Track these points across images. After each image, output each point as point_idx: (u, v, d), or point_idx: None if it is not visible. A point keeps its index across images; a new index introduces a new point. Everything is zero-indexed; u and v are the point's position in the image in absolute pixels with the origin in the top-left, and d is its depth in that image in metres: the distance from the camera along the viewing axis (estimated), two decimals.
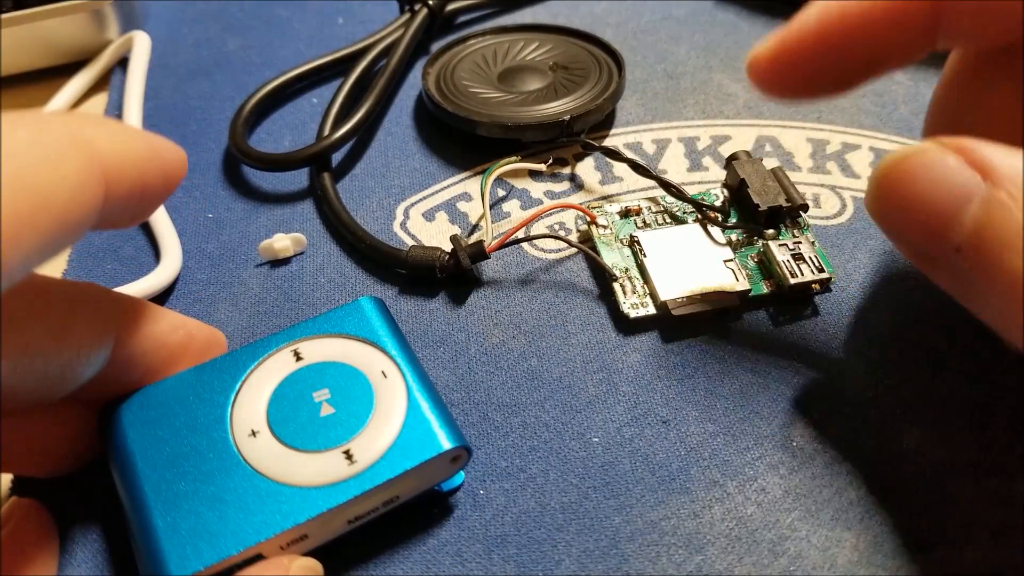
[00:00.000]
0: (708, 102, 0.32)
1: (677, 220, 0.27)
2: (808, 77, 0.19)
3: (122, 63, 0.35)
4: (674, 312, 0.24)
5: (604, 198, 0.28)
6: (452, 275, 0.25)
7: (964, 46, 0.20)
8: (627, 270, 0.25)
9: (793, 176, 0.28)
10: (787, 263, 0.24)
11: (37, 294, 0.16)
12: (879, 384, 0.22)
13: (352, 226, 0.27)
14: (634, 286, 0.25)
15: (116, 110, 0.33)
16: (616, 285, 0.25)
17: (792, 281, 0.24)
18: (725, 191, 0.27)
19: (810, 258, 0.24)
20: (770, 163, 0.28)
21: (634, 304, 0.24)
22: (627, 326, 0.24)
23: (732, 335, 0.24)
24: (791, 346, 0.23)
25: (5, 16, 0.32)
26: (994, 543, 0.19)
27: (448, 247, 0.25)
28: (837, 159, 0.29)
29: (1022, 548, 0.19)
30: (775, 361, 0.23)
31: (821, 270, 0.24)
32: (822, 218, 0.27)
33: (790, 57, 0.19)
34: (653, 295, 0.24)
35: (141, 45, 0.34)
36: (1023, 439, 0.21)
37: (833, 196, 0.28)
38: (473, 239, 0.26)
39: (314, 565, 0.18)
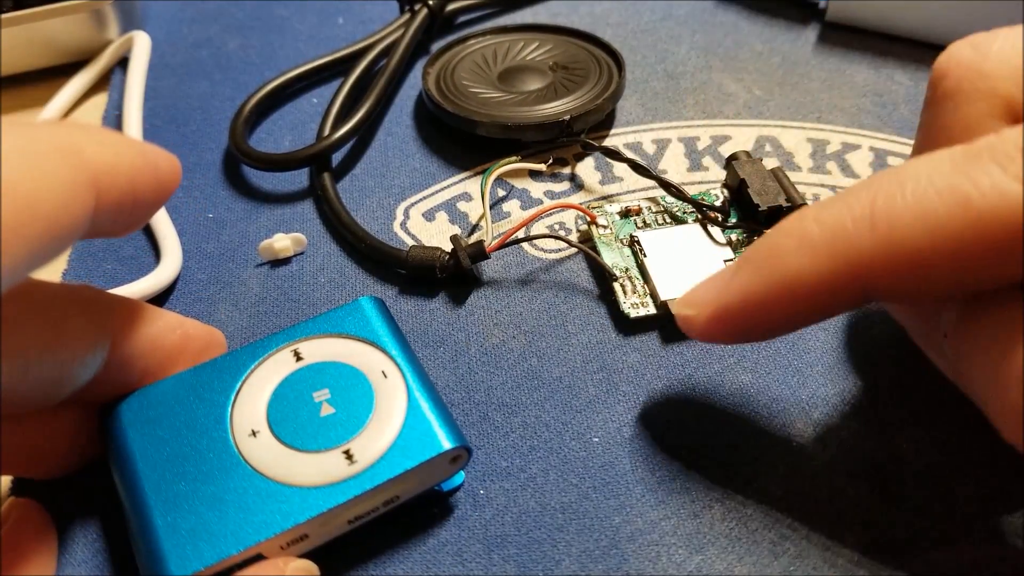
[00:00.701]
0: (708, 102, 0.32)
1: (677, 220, 0.27)
2: (743, 335, 0.19)
3: (122, 63, 0.35)
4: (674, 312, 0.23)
5: (604, 198, 0.28)
6: (452, 275, 0.25)
7: None
8: (627, 270, 0.25)
9: (793, 176, 0.28)
10: None
11: (30, 299, 0.16)
12: (879, 384, 0.22)
13: (352, 226, 0.27)
14: (634, 286, 0.25)
15: (116, 110, 0.33)
16: (616, 285, 0.25)
17: None
18: (725, 191, 0.27)
19: None
20: (770, 163, 0.28)
21: (634, 304, 0.24)
22: (627, 326, 0.24)
23: None
24: (791, 346, 0.23)
25: (5, 16, 0.32)
26: (994, 543, 0.19)
27: (448, 247, 0.25)
28: (837, 159, 0.29)
29: (1022, 548, 0.19)
30: (775, 361, 0.23)
31: None
32: None
33: (726, 323, 0.18)
34: (653, 295, 0.24)
35: (141, 45, 0.34)
36: None
37: None
38: (473, 239, 0.26)
39: (310, 566, 0.18)
